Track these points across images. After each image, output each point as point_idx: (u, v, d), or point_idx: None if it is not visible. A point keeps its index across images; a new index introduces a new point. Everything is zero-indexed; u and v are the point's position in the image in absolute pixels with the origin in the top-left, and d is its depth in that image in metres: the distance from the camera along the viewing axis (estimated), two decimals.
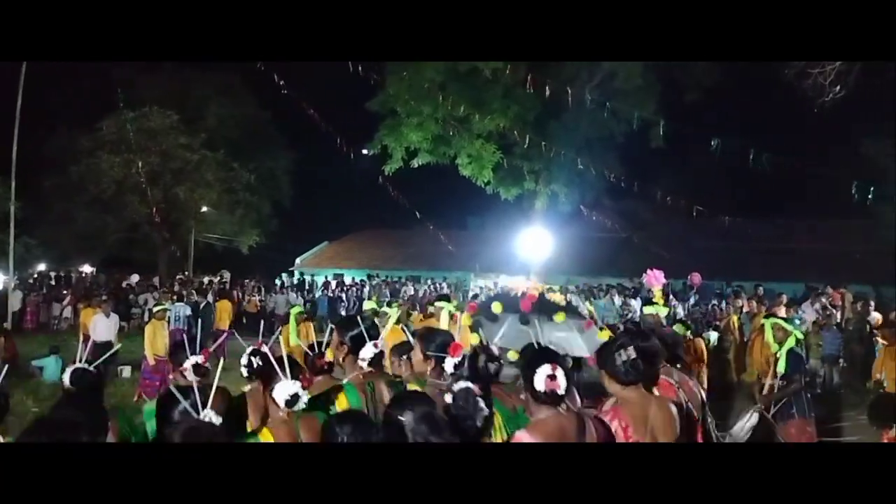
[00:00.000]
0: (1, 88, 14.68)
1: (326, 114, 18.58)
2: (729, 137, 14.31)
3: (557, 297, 5.61)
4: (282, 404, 2.99)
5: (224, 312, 15.84)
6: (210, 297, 17.11)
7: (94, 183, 27.73)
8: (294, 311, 8.60)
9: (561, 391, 2.86)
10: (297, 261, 34.08)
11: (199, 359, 3.84)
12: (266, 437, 2.94)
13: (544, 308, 5.42)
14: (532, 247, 23.28)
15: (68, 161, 27.74)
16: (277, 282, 27.22)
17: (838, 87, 10.47)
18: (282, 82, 17.06)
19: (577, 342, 5.28)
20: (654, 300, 6.39)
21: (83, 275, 29.69)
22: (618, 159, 22.38)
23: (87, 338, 13.17)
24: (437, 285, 24.18)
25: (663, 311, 6.38)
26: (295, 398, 2.99)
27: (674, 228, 26.14)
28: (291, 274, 31.71)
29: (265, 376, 3.39)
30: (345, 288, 24.55)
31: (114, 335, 12.61)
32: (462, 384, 2.85)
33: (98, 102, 28.22)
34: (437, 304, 8.20)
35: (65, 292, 22.34)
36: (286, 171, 36.02)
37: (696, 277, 14.64)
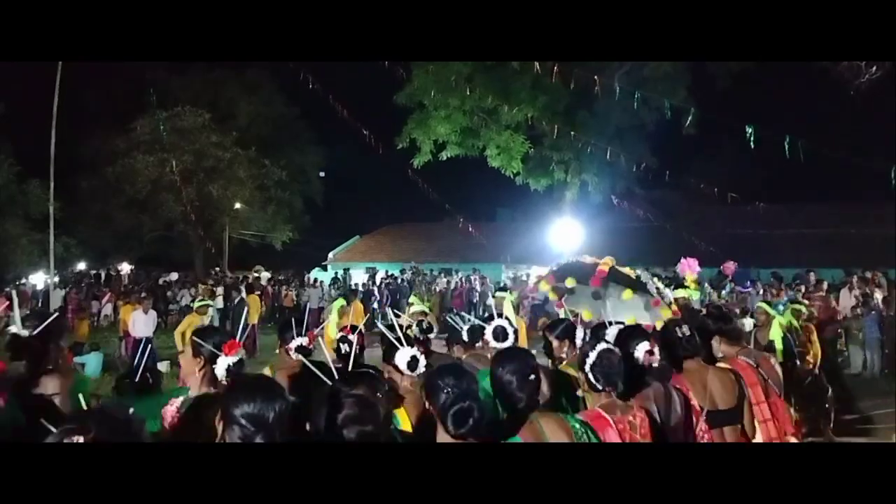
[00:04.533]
0: (37, 93, 15.05)
1: (354, 108, 18.67)
2: (761, 122, 14.05)
3: (628, 272, 5.76)
4: (404, 369, 3.30)
5: (253, 307, 15.97)
6: (244, 293, 17.34)
7: (129, 183, 28.27)
8: (336, 304, 8.53)
9: (656, 364, 3.27)
10: (330, 255, 34.34)
11: (304, 340, 3.96)
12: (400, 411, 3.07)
13: (616, 283, 5.61)
14: (563, 238, 23.14)
15: (104, 162, 28.31)
16: (311, 276, 27.50)
17: (874, 68, 10.23)
18: (309, 79, 17.16)
19: (644, 317, 5.35)
20: (685, 284, 6.41)
21: (121, 273, 30.32)
22: (649, 148, 22.13)
23: (126, 334, 13.53)
24: (470, 279, 24.18)
25: (695, 295, 6.39)
26: (415, 360, 3.30)
27: (707, 216, 25.76)
28: (325, 268, 31.97)
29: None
30: (375, 282, 24.67)
31: (152, 331, 12.87)
32: (604, 345, 3.02)
33: (131, 104, 28.78)
34: (498, 294, 8.35)
35: (104, 290, 22.85)
36: (316, 166, 36.33)
37: (728, 267, 14.40)
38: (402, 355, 3.34)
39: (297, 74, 17.40)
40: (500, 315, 4.12)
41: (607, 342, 3.10)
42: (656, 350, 3.26)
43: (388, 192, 37.68)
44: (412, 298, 10.84)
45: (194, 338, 3.09)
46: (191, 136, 28.72)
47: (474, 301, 21.22)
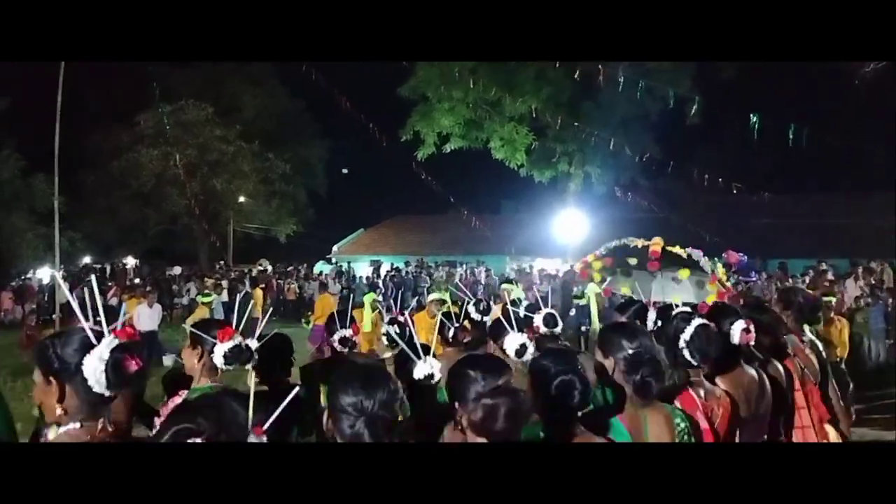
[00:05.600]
0: (41, 87, 15.04)
1: (358, 101, 18.65)
2: (766, 112, 14.00)
3: (679, 251, 5.77)
4: (511, 354, 3.29)
5: (257, 301, 16.03)
6: (248, 286, 17.38)
7: (134, 177, 28.33)
8: (368, 298, 8.55)
9: (752, 343, 3.20)
10: (335, 248, 34.37)
11: (348, 332, 3.98)
12: None
13: (668, 263, 5.63)
14: (567, 229, 23.13)
15: (108, 156, 28.36)
16: (315, 269, 27.53)
17: (878, 61, 10.16)
18: (313, 72, 17.15)
19: (692, 296, 5.35)
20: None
21: (126, 266, 30.40)
22: (653, 138, 22.07)
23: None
24: (475, 270, 24.17)
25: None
26: (524, 348, 3.30)
27: (712, 206, 25.69)
28: (329, 261, 32.00)
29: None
30: (379, 274, 24.69)
31: (156, 325, 12.92)
32: (699, 320, 2.91)
33: (135, 98, 28.76)
34: (504, 285, 8.46)
35: (110, 284, 22.89)
36: (321, 159, 36.31)
37: (732, 256, 14.34)
38: (512, 340, 3.34)
39: (300, 68, 17.40)
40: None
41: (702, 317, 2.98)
42: (752, 328, 3.15)
43: (393, 184, 37.73)
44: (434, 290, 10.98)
45: (191, 328, 3.10)
46: (194, 130, 28.74)
47: (479, 293, 21.23)
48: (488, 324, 4.75)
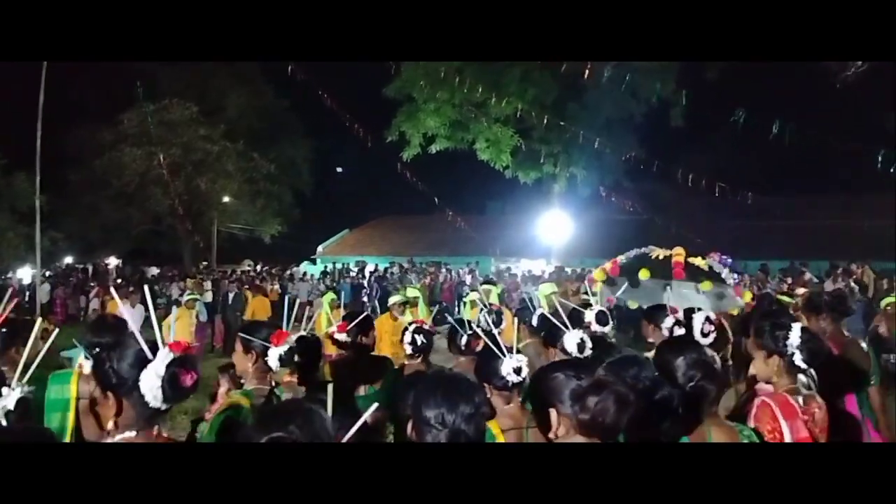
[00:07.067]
0: (23, 84, 14.89)
1: (344, 101, 18.61)
2: (750, 113, 14.11)
3: (700, 262, 5.75)
4: (573, 350, 3.40)
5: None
6: (235, 287, 17.29)
7: (117, 176, 28.08)
8: (326, 298, 8.58)
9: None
10: (319, 248, 34.27)
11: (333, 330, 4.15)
12: None
13: (689, 274, 5.59)
14: (552, 230, 23.21)
15: (92, 155, 28.09)
16: (300, 269, 27.42)
17: (861, 61, 10.28)
18: (298, 71, 17.10)
19: (707, 307, 5.34)
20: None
21: (108, 267, 30.15)
22: (637, 140, 22.17)
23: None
24: (459, 272, 24.12)
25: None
26: (584, 343, 3.42)
27: (696, 208, 25.82)
28: (314, 262, 31.89)
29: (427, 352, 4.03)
30: (364, 275, 24.61)
31: (139, 326, 12.82)
32: (799, 323, 2.83)
33: (119, 96, 28.54)
34: (484, 286, 8.44)
35: (92, 284, 22.70)
36: (306, 159, 36.18)
37: (713, 257, 14.42)
38: (571, 337, 3.40)
39: (286, 67, 17.35)
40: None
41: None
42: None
43: (378, 185, 37.65)
44: (410, 287, 10.92)
45: (242, 335, 3.14)
46: (178, 130, 28.53)
47: (464, 295, 21.14)
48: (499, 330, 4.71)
